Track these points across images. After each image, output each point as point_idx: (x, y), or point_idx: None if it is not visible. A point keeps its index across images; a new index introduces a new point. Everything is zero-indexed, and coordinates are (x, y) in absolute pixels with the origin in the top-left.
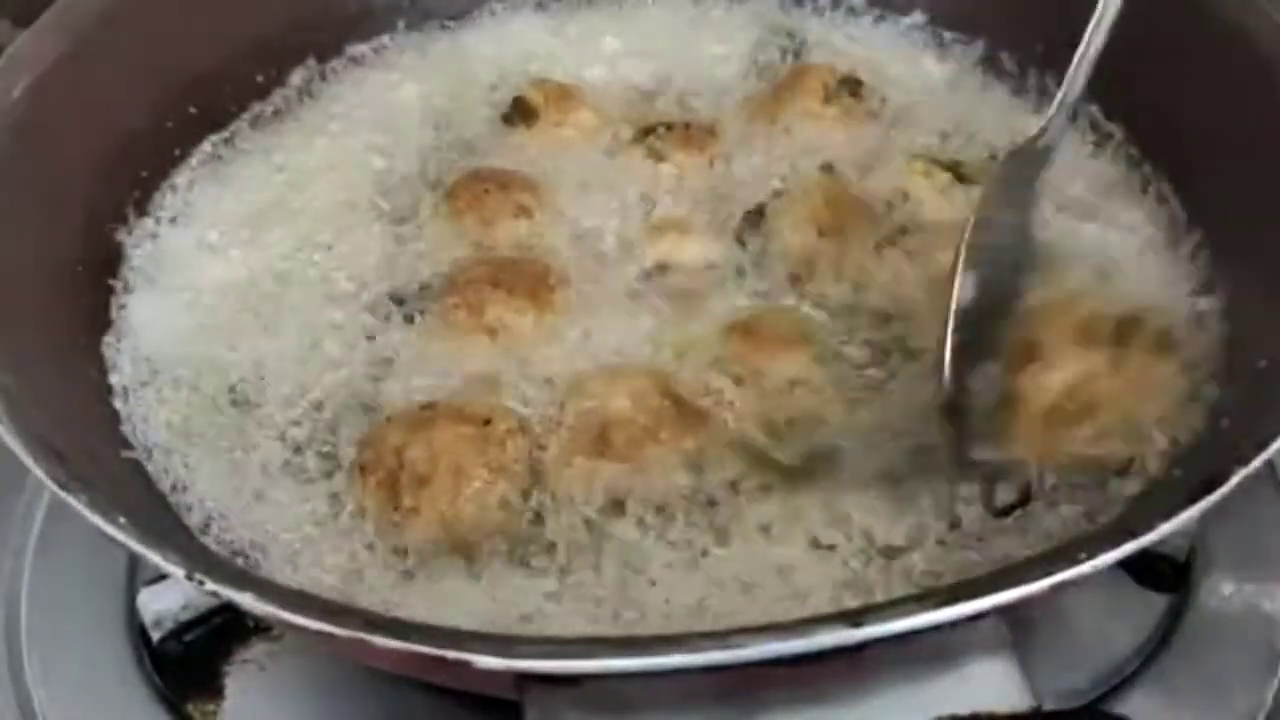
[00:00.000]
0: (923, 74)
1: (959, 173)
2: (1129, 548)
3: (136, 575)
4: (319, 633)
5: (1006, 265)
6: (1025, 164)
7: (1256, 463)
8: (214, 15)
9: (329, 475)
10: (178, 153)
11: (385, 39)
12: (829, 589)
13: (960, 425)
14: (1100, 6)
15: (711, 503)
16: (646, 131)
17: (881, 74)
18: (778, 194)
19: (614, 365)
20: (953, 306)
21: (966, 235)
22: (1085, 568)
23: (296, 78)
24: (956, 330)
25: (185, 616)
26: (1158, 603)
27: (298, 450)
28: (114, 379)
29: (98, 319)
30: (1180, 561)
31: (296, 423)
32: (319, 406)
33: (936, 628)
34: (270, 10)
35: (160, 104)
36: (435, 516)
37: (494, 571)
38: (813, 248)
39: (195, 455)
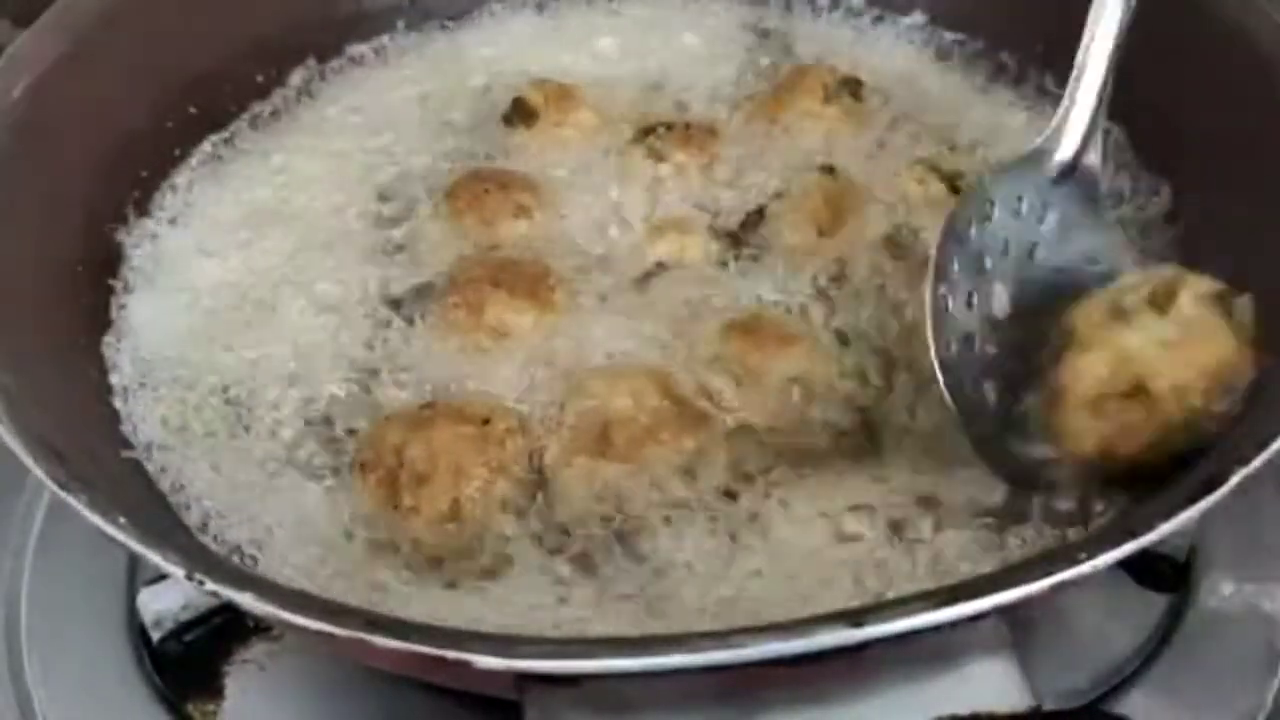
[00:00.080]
0: (922, 74)
1: (955, 184)
2: (1129, 548)
3: (136, 575)
4: (319, 633)
5: (1009, 275)
6: (1022, 176)
7: (1256, 463)
8: (214, 15)
9: (329, 474)
10: (178, 153)
11: (385, 39)
12: (849, 581)
13: (997, 432)
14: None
15: (712, 500)
16: (646, 131)
17: (881, 74)
18: (778, 194)
19: (614, 365)
20: (929, 324)
21: (934, 250)
22: (1085, 568)
23: (296, 78)
24: (948, 344)
25: (185, 616)
26: (1158, 603)
27: (297, 450)
28: (114, 379)
29: (98, 319)
30: (1180, 561)
31: (296, 422)
32: (318, 406)
33: (937, 628)
34: (270, 10)
35: (160, 104)
36: (435, 515)
37: (494, 571)
38: (812, 248)
39: (195, 455)
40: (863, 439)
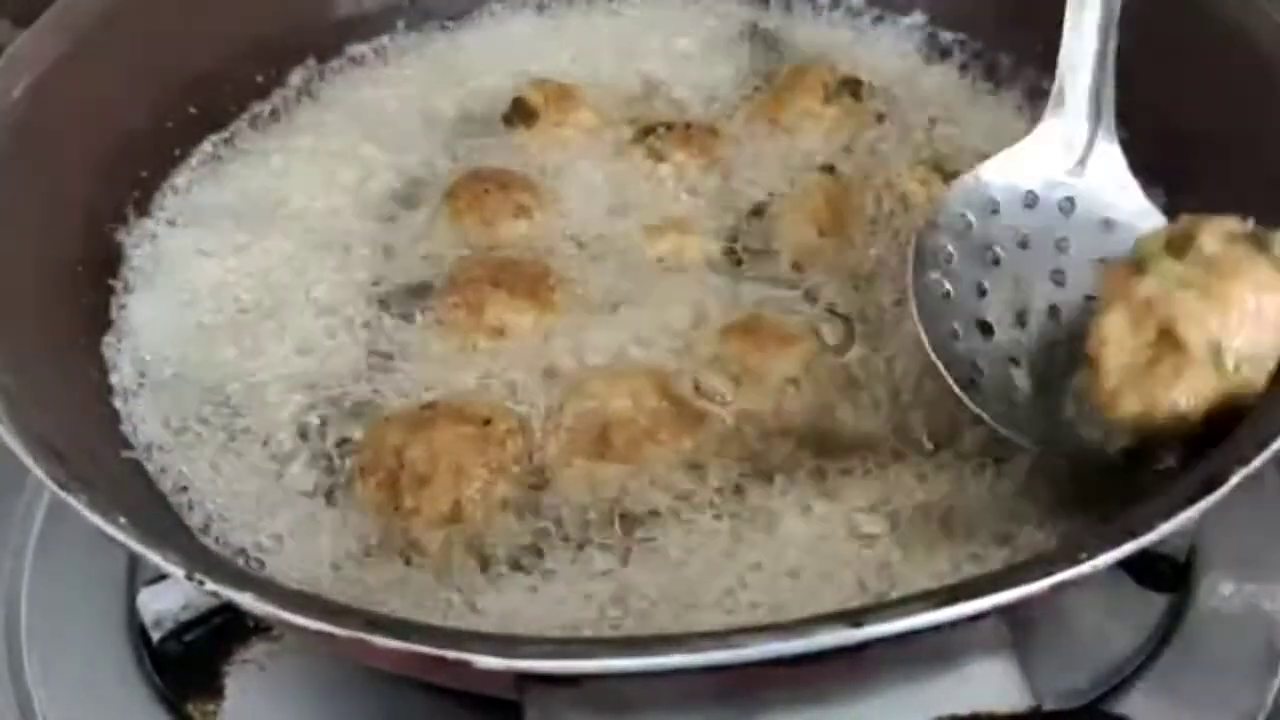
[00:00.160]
0: (922, 74)
1: None
2: (1129, 548)
3: (136, 575)
4: (319, 633)
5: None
6: (1021, 169)
7: (1257, 463)
8: (214, 15)
9: (329, 475)
10: (178, 153)
11: (385, 39)
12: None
13: (1038, 415)
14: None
15: (710, 500)
16: (646, 131)
17: (881, 74)
18: (778, 194)
19: (613, 365)
20: (914, 309)
21: (913, 237)
22: (1085, 568)
23: (296, 78)
24: (954, 332)
25: (185, 616)
26: (1158, 602)
27: (298, 450)
28: (114, 379)
29: (98, 319)
30: (1180, 561)
31: (296, 423)
32: (318, 406)
33: (937, 627)
34: (270, 10)
35: (160, 104)
36: (435, 516)
37: (494, 571)
38: (813, 247)
39: (195, 455)
40: (862, 440)
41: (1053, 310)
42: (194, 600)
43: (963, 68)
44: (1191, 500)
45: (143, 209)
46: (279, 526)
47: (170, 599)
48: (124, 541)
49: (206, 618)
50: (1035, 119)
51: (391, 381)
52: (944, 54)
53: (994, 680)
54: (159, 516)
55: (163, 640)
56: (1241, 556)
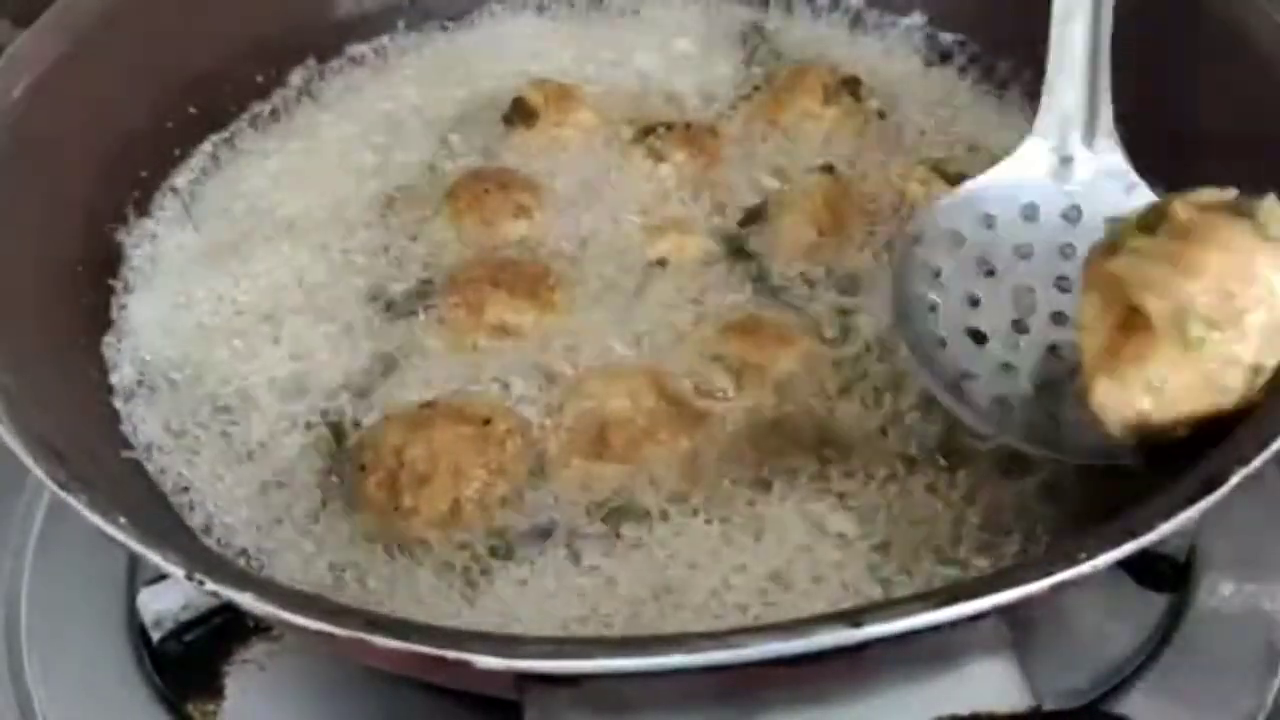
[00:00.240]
0: (923, 75)
1: (957, 185)
2: (1129, 548)
3: (136, 575)
4: (319, 633)
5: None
6: (1020, 180)
7: (1257, 463)
8: (214, 15)
9: (329, 475)
10: (178, 153)
11: (385, 39)
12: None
13: (1043, 422)
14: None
15: (710, 499)
16: (646, 131)
17: (881, 75)
18: (777, 194)
19: (613, 365)
20: (894, 317)
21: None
22: (1085, 568)
23: (296, 78)
24: (941, 340)
25: (185, 616)
26: (1158, 602)
27: (297, 450)
28: (114, 379)
29: (98, 319)
30: (1180, 561)
31: (296, 422)
32: (318, 406)
33: (936, 628)
34: (270, 10)
35: (160, 104)
36: (435, 516)
37: (493, 571)
38: (812, 247)
39: (195, 455)
40: (861, 441)
41: (1057, 316)
42: (194, 600)
43: (962, 68)
44: (1192, 500)
45: (143, 209)
46: (279, 526)
47: (170, 599)
48: (124, 541)
49: (206, 618)
50: (1034, 117)
51: (391, 381)
52: (944, 55)
53: (994, 680)
54: (159, 516)
55: (163, 640)
56: (1241, 556)
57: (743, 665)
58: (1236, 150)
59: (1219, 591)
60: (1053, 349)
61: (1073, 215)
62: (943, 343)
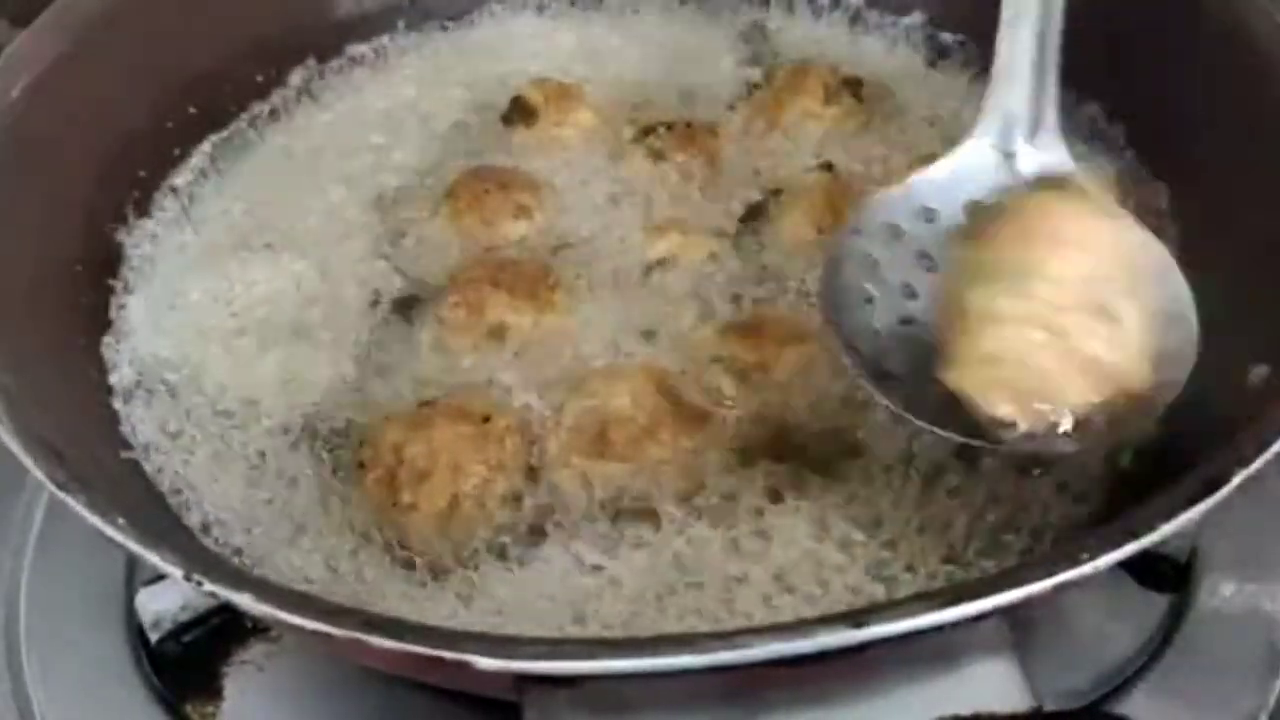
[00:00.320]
0: (922, 74)
1: None
2: (1130, 548)
3: (135, 575)
4: (317, 633)
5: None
6: (959, 175)
7: (1257, 463)
8: (214, 15)
9: (328, 474)
10: (177, 153)
11: (385, 39)
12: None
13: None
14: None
15: (709, 500)
16: (646, 131)
17: (882, 74)
18: (778, 194)
19: (613, 365)
20: (824, 310)
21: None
22: (1087, 568)
23: (296, 78)
24: (875, 333)
25: (184, 617)
26: (1159, 603)
27: (297, 450)
28: (113, 379)
29: (97, 319)
30: (1181, 561)
31: (295, 422)
32: (317, 406)
33: (938, 628)
34: (270, 10)
35: (160, 104)
36: (433, 513)
37: (492, 569)
38: (813, 247)
39: (194, 455)
40: (860, 443)
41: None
42: (192, 601)
43: (963, 68)
44: (1193, 501)
45: (142, 209)
46: (277, 526)
47: (169, 599)
48: (122, 542)
49: (205, 618)
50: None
51: (391, 381)
52: (944, 54)
53: (995, 681)
54: (158, 517)
55: (161, 641)
56: (1242, 557)
57: (744, 666)
58: (1236, 150)
59: (1220, 592)
60: None
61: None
62: (877, 334)
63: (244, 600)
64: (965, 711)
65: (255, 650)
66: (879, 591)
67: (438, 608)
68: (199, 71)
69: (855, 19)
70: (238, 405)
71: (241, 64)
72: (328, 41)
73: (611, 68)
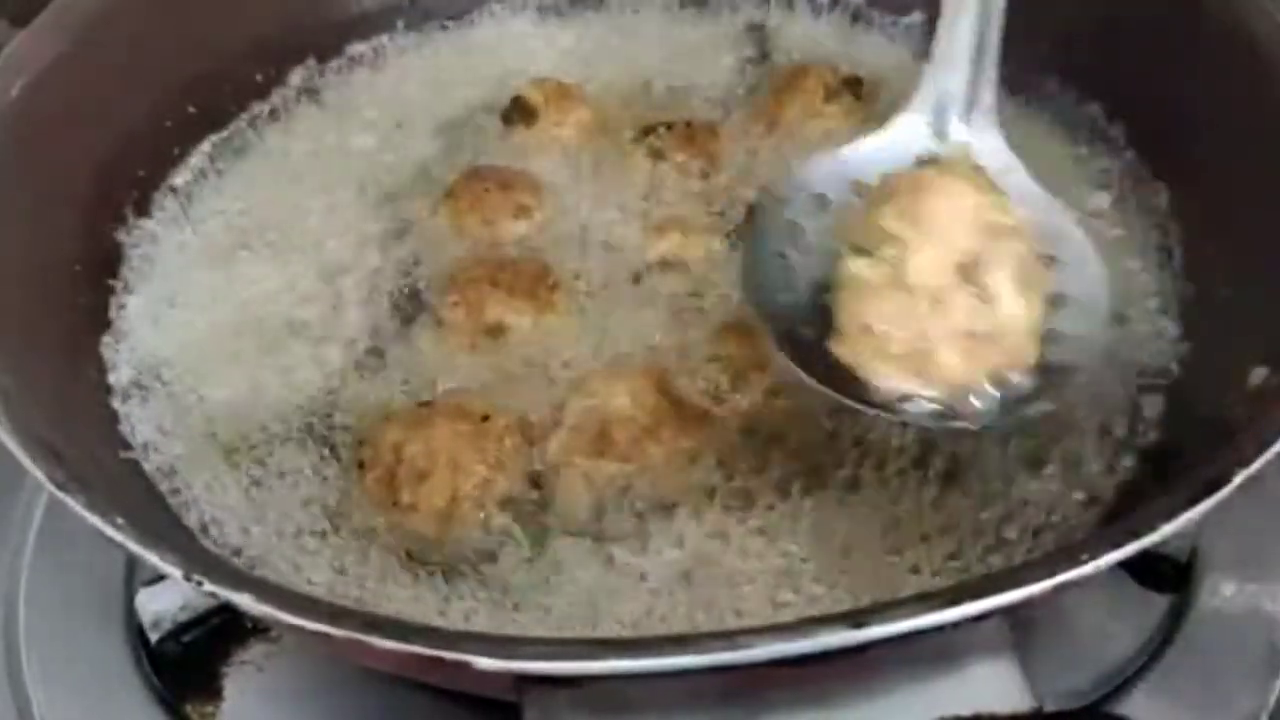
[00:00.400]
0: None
1: None
2: (1131, 548)
3: (135, 575)
4: (317, 634)
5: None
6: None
7: (1258, 463)
8: (213, 15)
9: (328, 473)
10: (177, 152)
11: (384, 39)
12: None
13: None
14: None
15: (708, 500)
16: (646, 131)
17: (882, 74)
18: None
19: (614, 364)
20: (741, 281)
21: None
22: (1088, 568)
23: (296, 78)
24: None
25: (184, 617)
26: (1159, 603)
27: (296, 448)
28: (112, 379)
29: (97, 319)
30: (1182, 562)
31: (295, 421)
32: (317, 404)
33: (939, 629)
34: (270, 10)
35: (159, 104)
36: (432, 512)
37: (492, 569)
38: None
39: (193, 455)
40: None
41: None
42: (192, 601)
43: None
44: (1193, 501)
45: (142, 209)
46: (277, 526)
47: (168, 599)
48: (122, 542)
49: (205, 618)
50: (1036, 119)
51: (391, 381)
52: None
53: (995, 681)
54: (157, 517)
55: (161, 641)
56: (1243, 557)
57: (745, 666)
58: (1236, 150)
59: (1220, 592)
60: None
61: None
62: (792, 299)
63: (244, 600)
64: (966, 712)
65: (255, 650)
66: (881, 591)
67: (438, 607)
68: (198, 71)
69: (855, 18)
70: (237, 405)
71: (241, 64)
72: (327, 41)
73: (611, 68)
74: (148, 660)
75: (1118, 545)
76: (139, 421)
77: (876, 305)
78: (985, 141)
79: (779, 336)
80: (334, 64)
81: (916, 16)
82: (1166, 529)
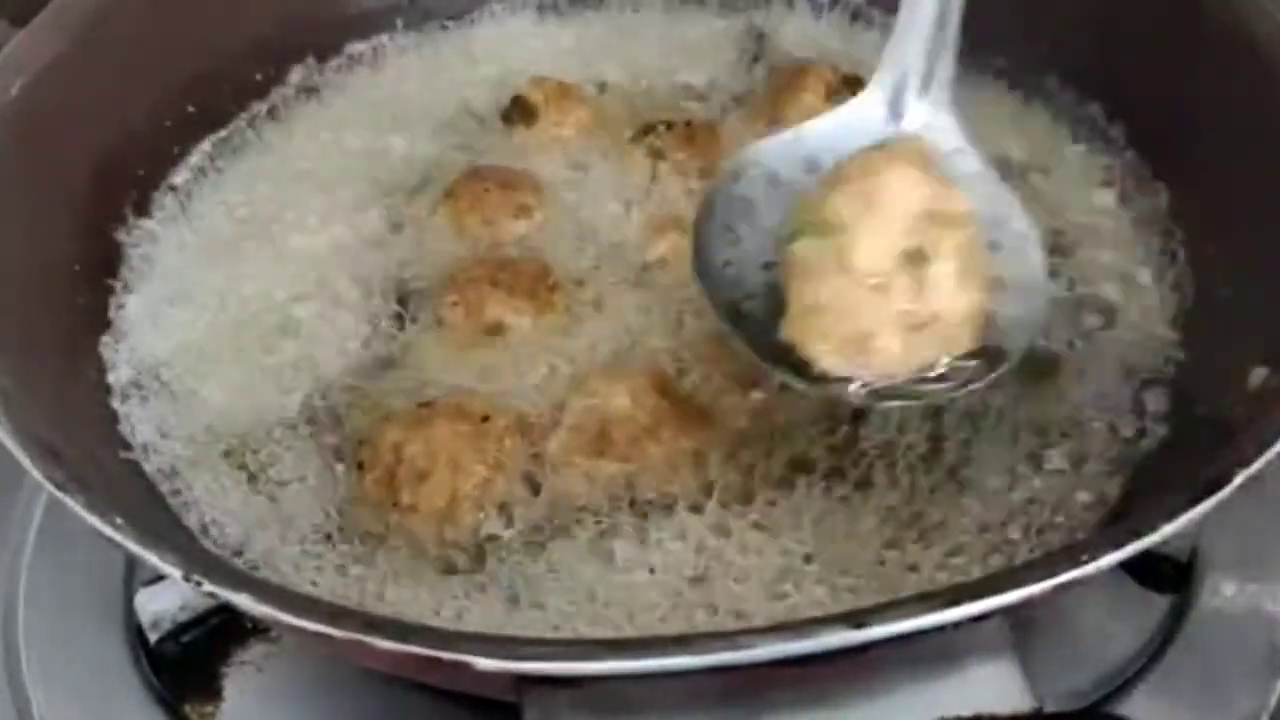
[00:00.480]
0: None
1: None
2: (1132, 548)
3: (134, 576)
4: (317, 634)
5: None
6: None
7: (1259, 464)
8: (212, 14)
9: (328, 474)
10: (176, 152)
11: (384, 38)
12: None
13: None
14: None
15: (708, 500)
16: (646, 131)
17: None
18: None
19: (614, 364)
20: (693, 259)
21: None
22: (1088, 568)
23: (295, 77)
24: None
25: (183, 617)
26: (1160, 603)
27: (296, 449)
28: (112, 379)
29: (96, 319)
30: (1182, 562)
31: (294, 421)
32: (316, 405)
33: (939, 629)
34: (269, 9)
35: (159, 103)
36: (432, 512)
37: (492, 568)
38: None
39: (193, 455)
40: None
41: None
42: (192, 601)
43: (962, 67)
44: (1194, 501)
45: (141, 209)
46: (276, 526)
47: (168, 600)
48: (121, 542)
49: (204, 619)
50: (1037, 119)
51: (391, 381)
52: None
53: (996, 682)
54: (157, 517)
55: (160, 641)
56: (1243, 557)
57: (745, 666)
58: (1236, 150)
59: (1221, 592)
60: None
61: None
62: (739, 275)
63: (243, 600)
64: (966, 712)
65: (255, 651)
66: (881, 590)
67: (437, 607)
68: (198, 71)
69: (855, 17)
70: (237, 405)
71: (241, 63)
72: (327, 40)
73: (611, 67)
74: (147, 660)
75: (1118, 545)
76: (139, 421)
77: (820, 287)
78: (939, 119)
79: (725, 309)
80: (333, 63)
81: None
82: (1167, 529)
